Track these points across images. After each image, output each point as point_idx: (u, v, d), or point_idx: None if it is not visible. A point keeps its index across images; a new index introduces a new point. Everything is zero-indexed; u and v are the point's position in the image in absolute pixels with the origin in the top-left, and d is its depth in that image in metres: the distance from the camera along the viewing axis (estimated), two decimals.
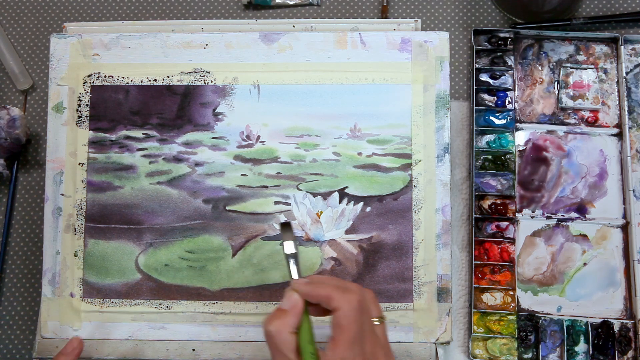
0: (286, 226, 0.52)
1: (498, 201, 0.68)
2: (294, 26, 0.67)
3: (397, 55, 0.65)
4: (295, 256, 0.51)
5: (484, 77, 0.71)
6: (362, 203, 0.64)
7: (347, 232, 0.63)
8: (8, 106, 0.70)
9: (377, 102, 0.64)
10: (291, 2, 0.77)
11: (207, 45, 0.65)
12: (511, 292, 0.66)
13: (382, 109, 0.64)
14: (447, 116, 0.64)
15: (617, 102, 0.71)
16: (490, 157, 0.69)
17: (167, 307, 0.63)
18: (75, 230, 0.64)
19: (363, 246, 0.63)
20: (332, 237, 0.63)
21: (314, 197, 0.64)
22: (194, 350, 0.63)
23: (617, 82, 0.72)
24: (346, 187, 0.64)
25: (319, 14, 0.77)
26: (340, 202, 0.64)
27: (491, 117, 0.70)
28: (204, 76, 0.65)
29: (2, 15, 0.78)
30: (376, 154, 0.64)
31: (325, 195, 0.64)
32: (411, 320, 0.62)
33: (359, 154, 0.64)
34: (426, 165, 0.64)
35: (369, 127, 0.64)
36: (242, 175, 0.64)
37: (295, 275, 0.50)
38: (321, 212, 0.64)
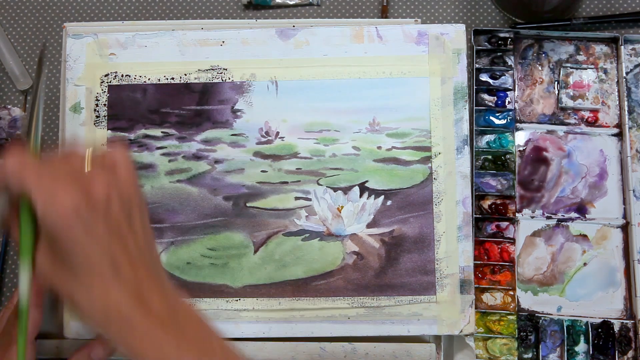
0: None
1: (498, 201, 0.68)
2: (294, 26, 0.67)
3: (414, 48, 0.65)
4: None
5: (484, 77, 0.71)
6: (382, 197, 0.64)
7: (369, 226, 0.63)
8: (9, 106, 0.70)
9: (395, 95, 0.64)
10: (291, 2, 0.77)
11: (223, 42, 0.65)
12: (511, 292, 0.66)
13: (401, 102, 0.64)
14: (465, 108, 0.64)
15: (617, 102, 0.71)
16: (490, 157, 0.69)
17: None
18: None
19: (385, 240, 0.63)
20: (354, 232, 0.63)
21: (335, 191, 0.64)
22: None
23: (617, 82, 0.72)
24: (366, 181, 0.64)
25: (319, 14, 0.77)
26: (360, 196, 0.64)
27: (491, 117, 0.70)
28: (221, 73, 0.65)
29: (2, 15, 0.78)
30: (395, 148, 0.64)
31: (346, 190, 0.64)
32: (435, 313, 0.62)
33: (379, 147, 0.64)
34: (446, 157, 0.64)
35: (388, 120, 0.64)
36: (262, 171, 0.64)
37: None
38: (342, 207, 0.64)
